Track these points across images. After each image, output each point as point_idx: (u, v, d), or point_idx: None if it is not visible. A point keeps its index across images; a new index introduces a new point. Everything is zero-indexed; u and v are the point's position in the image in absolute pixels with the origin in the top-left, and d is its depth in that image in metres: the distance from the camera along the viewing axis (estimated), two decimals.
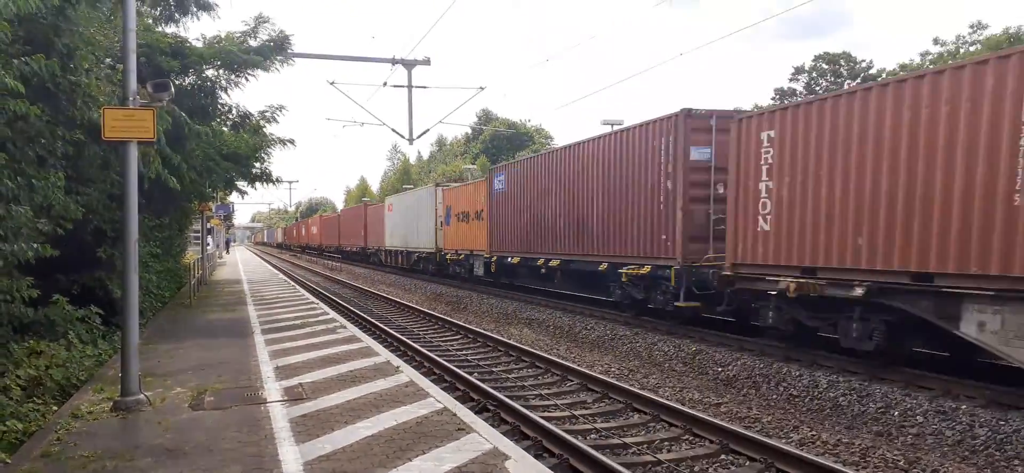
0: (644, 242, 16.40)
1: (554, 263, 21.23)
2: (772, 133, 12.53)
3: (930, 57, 45.48)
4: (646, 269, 16.14)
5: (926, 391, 9.97)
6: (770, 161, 12.60)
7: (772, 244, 12.56)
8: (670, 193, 15.28)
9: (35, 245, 8.76)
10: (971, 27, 45.20)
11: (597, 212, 18.75)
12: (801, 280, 11.71)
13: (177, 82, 16.05)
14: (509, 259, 24.79)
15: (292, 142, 21.07)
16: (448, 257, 32.03)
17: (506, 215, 25.26)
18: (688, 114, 14.93)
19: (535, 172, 22.93)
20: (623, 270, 17.04)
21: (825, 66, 56.26)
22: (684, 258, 14.84)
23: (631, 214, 16.94)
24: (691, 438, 8.75)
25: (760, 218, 12.85)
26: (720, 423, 8.85)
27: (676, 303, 15.10)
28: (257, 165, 20.74)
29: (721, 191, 14.51)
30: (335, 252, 64.45)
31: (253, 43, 17.83)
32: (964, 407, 9.16)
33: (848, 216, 10.99)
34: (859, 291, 10.72)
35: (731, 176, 13.66)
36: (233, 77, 18.16)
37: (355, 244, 53.75)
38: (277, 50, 18.42)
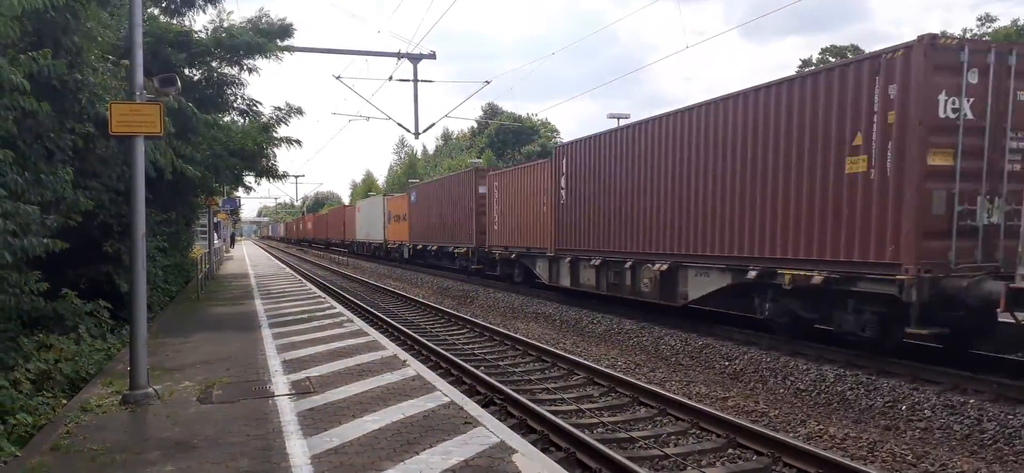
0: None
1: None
2: None
3: None
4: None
5: (934, 385, 9.93)
6: None
7: None
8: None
9: (45, 240, 8.80)
10: (979, 20, 44.90)
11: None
12: None
13: (184, 73, 16.11)
14: (423, 246, 36.84)
15: (298, 143, 21.11)
16: (389, 246, 44.95)
17: (420, 217, 36.96)
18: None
19: (439, 188, 33.86)
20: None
21: (832, 59, 56.02)
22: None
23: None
24: (698, 432, 8.74)
25: None
26: (727, 417, 8.85)
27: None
28: (264, 161, 20.80)
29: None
30: (323, 243, 75.65)
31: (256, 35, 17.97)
32: (972, 401, 9.13)
33: None
34: None
35: None
36: (238, 65, 18.24)
37: (338, 237, 64.63)
38: (279, 34, 18.48)
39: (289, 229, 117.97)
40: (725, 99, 13.86)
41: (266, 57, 18.49)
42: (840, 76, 11.25)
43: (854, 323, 11.30)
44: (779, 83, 12.53)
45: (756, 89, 13.03)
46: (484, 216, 27.87)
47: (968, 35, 45.13)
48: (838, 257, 11.16)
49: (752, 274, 12.82)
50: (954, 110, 10.10)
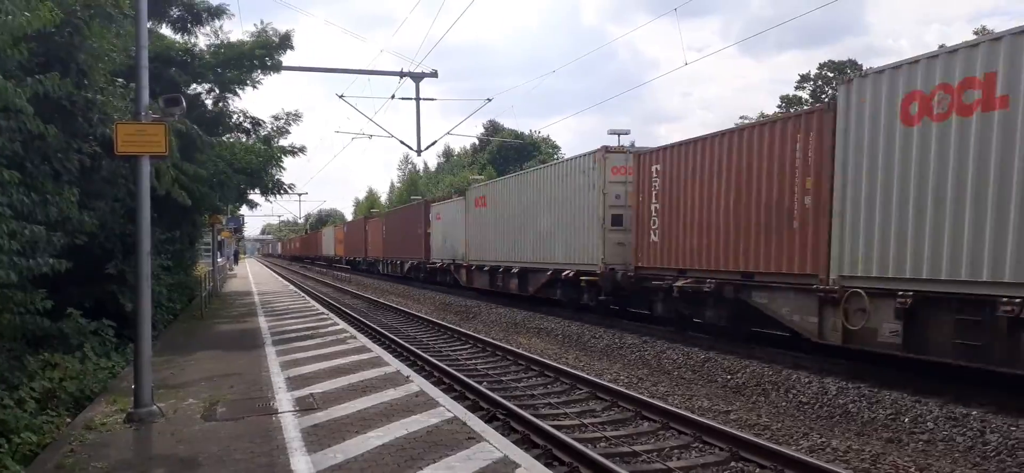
0: None
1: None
2: None
3: None
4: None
5: (936, 397, 9.94)
6: None
7: None
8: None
9: (50, 260, 8.87)
10: (976, 34, 44.99)
11: None
12: None
13: (187, 90, 16.27)
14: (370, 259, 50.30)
15: (302, 150, 21.30)
16: (363, 261, 56.54)
17: (390, 237, 46.48)
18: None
19: (402, 214, 44.29)
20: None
21: (830, 74, 56.23)
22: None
23: None
24: (701, 446, 8.76)
25: None
26: (730, 430, 8.86)
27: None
28: (269, 176, 20.95)
29: None
30: (314, 259, 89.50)
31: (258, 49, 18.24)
32: (975, 413, 9.14)
33: None
34: None
35: None
36: (239, 82, 18.45)
37: (326, 254, 78.21)
38: (280, 46, 18.68)
39: (284, 246, 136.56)
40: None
41: (266, 72, 18.74)
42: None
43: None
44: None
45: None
46: (428, 237, 37.11)
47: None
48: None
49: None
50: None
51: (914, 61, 10.26)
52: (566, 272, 20.97)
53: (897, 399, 10.02)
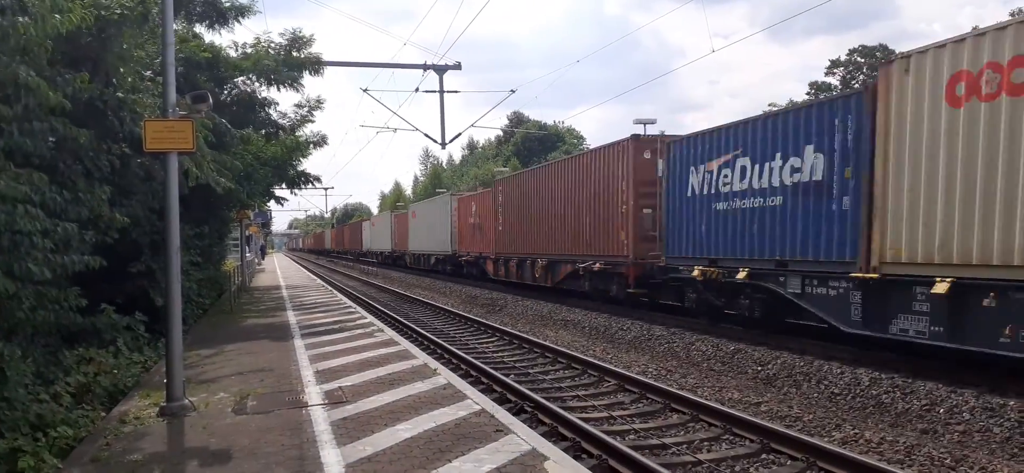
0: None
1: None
2: None
3: None
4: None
5: (972, 388, 9.74)
6: None
7: None
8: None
9: (84, 257, 9.00)
10: (1011, 15, 43.96)
11: None
12: None
13: (216, 93, 16.49)
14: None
15: (325, 140, 21.66)
16: (370, 252, 64.54)
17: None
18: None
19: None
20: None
21: (860, 59, 55.32)
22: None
23: None
24: (731, 437, 8.67)
25: None
26: (760, 422, 8.76)
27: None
28: (293, 168, 21.18)
29: None
30: (333, 253, 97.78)
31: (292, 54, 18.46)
32: (1012, 403, 8.94)
33: None
34: None
35: None
36: (268, 87, 18.71)
37: (343, 248, 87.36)
38: (309, 66, 18.94)
39: (307, 241, 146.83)
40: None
41: (296, 91, 19.12)
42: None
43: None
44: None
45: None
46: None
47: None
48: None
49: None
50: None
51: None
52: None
53: (932, 390, 9.84)
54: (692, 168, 16.10)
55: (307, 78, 19.65)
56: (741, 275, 14.19)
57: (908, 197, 10.53)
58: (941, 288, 9.87)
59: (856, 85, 55.73)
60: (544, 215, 24.71)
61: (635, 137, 19.03)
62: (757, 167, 13.97)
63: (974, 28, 10.19)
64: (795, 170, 12.93)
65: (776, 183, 13.44)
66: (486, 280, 32.27)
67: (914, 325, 10.54)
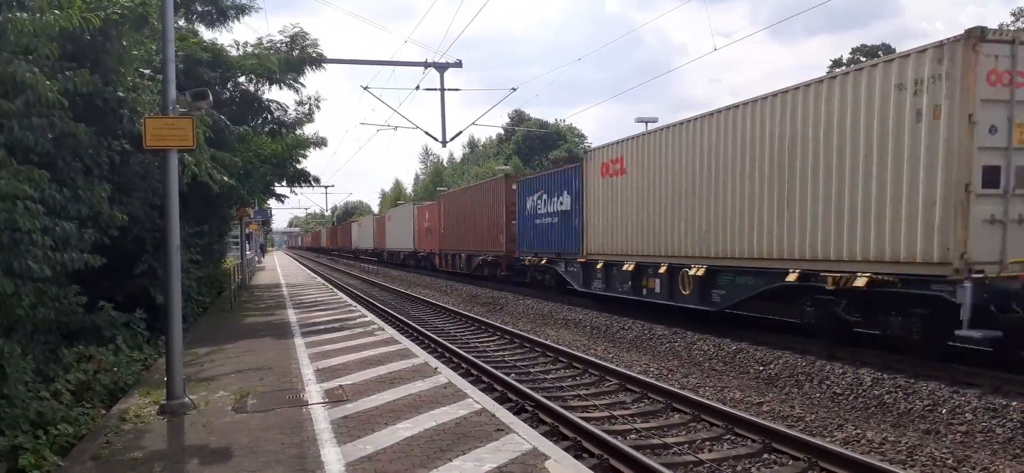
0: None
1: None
2: None
3: None
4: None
5: (975, 388, 9.71)
6: None
7: None
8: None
9: (84, 254, 8.98)
10: (1013, 14, 43.87)
11: None
12: None
13: (216, 90, 16.47)
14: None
15: (324, 141, 21.64)
16: (358, 249, 70.10)
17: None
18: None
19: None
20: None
21: (862, 59, 55.23)
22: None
23: None
24: (733, 437, 8.64)
25: None
26: (762, 422, 8.74)
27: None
28: (293, 166, 21.15)
29: None
30: (331, 251, 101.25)
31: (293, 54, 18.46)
32: (1015, 404, 8.91)
33: None
34: None
35: None
36: (270, 87, 18.70)
37: (336, 246, 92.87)
38: (310, 63, 18.90)
39: (305, 240, 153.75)
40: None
41: (296, 91, 19.11)
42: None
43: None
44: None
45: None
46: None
47: (1005, 28, 43.44)
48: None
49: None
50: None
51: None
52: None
53: (934, 390, 9.81)
54: (527, 197, 25.69)
55: (309, 74, 19.63)
56: (544, 261, 24.51)
57: (592, 221, 20.64)
58: (600, 264, 20.17)
59: None
60: (466, 223, 33.95)
61: (507, 176, 30.06)
62: (549, 200, 23.86)
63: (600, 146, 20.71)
64: (561, 203, 22.88)
65: (554, 210, 23.49)
66: (438, 272, 39.82)
67: (598, 285, 20.52)
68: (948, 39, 10.05)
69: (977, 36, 9.79)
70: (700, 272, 15.27)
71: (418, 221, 45.36)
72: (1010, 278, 9.93)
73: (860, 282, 11.17)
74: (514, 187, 27.63)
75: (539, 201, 24.47)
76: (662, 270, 16.78)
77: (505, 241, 28.44)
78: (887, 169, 10.88)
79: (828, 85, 12.07)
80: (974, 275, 9.70)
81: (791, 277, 12.63)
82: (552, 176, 24.03)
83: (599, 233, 20.00)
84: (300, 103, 21.76)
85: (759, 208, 13.56)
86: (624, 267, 18.42)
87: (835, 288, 11.69)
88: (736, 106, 14.30)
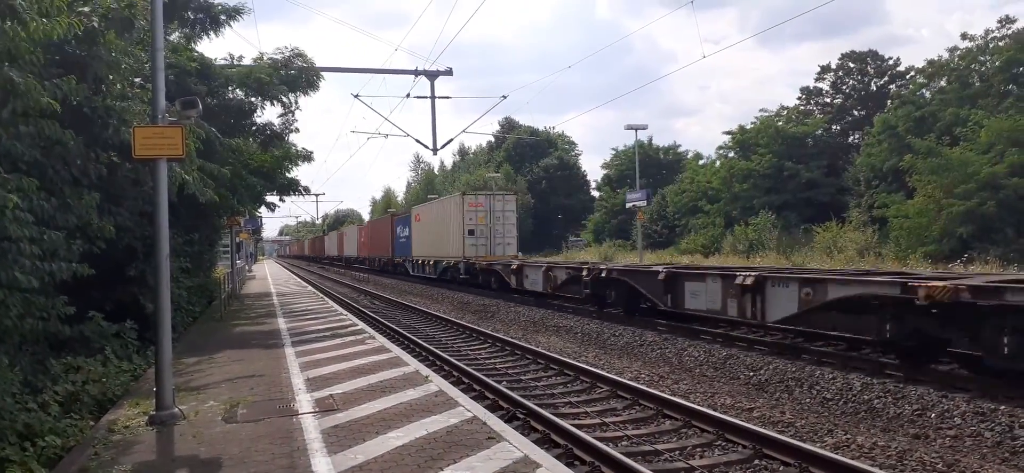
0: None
1: None
2: None
3: (958, 52, 44.49)
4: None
5: (963, 392, 9.78)
6: None
7: None
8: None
9: (72, 264, 8.93)
10: (999, 22, 44.21)
11: None
12: None
13: (207, 101, 16.43)
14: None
15: (310, 155, 21.80)
16: (343, 257, 75.59)
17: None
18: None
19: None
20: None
21: (851, 65, 55.65)
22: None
23: None
24: (723, 443, 8.66)
25: None
26: (753, 428, 8.76)
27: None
28: (283, 176, 21.12)
29: None
30: (315, 259, 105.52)
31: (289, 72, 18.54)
32: (1003, 408, 8.98)
33: None
34: None
35: None
36: (261, 101, 18.71)
37: (323, 254, 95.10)
38: (307, 85, 18.93)
39: (291, 248, 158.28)
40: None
41: (288, 109, 19.14)
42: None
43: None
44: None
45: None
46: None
47: (989, 36, 43.64)
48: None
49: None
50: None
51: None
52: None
53: (923, 394, 9.87)
54: (397, 226, 47.20)
55: (307, 94, 19.75)
56: (400, 259, 44.06)
57: (415, 240, 41.97)
58: (420, 261, 41.17)
59: (846, 90, 56.19)
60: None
61: (392, 214, 46.55)
62: (403, 228, 43.49)
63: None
64: (405, 231, 43.93)
65: (405, 234, 43.97)
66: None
67: (418, 272, 41.62)
68: (458, 194, 37.20)
69: (462, 193, 37.07)
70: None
71: (359, 236, 67.11)
72: None
73: (452, 263, 35.43)
74: (393, 219, 49.51)
75: (400, 228, 46.57)
76: (433, 262, 38.11)
77: (391, 250, 48.97)
78: None
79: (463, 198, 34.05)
80: None
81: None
82: (403, 217, 46.74)
83: (417, 245, 41.54)
84: (281, 114, 21.77)
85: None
86: (426, 262, 39.59)
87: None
88: (451, 196, 33.51)
